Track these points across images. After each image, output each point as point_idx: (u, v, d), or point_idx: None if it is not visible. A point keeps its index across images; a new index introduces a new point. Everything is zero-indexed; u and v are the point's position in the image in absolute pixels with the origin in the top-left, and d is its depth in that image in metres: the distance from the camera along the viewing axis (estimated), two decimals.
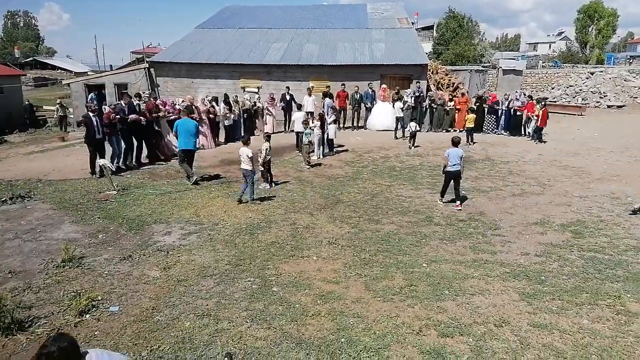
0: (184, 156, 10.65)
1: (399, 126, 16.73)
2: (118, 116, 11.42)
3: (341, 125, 17.92)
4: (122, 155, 11.85)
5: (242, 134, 13.44)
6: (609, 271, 6.22)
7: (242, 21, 27.64)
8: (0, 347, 4.44)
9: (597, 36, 57.10)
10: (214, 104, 15.57)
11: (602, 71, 31.73)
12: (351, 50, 22.68)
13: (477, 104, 18.10)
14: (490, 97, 18.61)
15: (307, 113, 17.18)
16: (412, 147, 14.89)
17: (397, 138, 16.53)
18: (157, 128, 13.04)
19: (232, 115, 15.96)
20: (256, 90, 20.67)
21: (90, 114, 10.81)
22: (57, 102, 23.98)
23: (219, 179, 11.23)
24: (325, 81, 20.11)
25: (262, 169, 10.20)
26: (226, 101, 15.95)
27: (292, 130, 15.30)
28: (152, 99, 13.92)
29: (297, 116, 14.05)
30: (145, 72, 22.05)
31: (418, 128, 15.56)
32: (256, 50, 22.98)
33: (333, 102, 16.22)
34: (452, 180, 8.97)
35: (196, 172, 11.10)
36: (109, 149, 11.47)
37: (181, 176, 11.25)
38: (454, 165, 8.79)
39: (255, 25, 26.69)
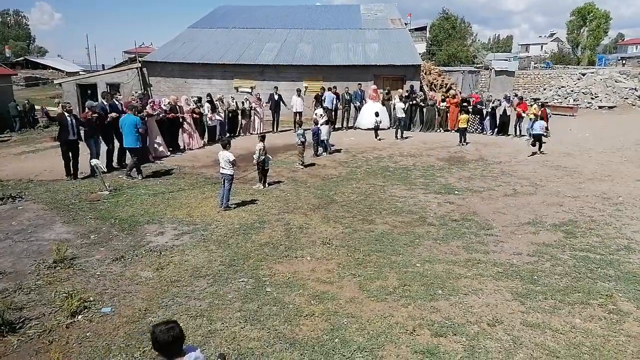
0: (129, 152, 10.90)
1: (399, 126, 16.76)
2: (96, 114, 10.99)
3: (334, 126, 17.94)
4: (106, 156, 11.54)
5: (222, 136, 13.43)
6: (600, 271, 6.26)
7: (235, 21, 27.57)
8: None
9: (589, 37, 57.64)
10: (199, 104, 15.34)
11: (593, 72, 32.06)
12: (344, 51, 22.70)
13: (462, 104, 18.08)
14: (473, 99, 18.63)
15: (296, 113, 17.27)
16: (378, 139, 16.16)
17: (397, 138, 16.58)
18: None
19: (216, 116, 15.71)
20: (249, 90, 20.64)
21: (65, 114, 10.49)
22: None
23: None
24: (319, 81, 20.10)
25: (257, 168, 10.22)
26: (210, 101, 15.73)
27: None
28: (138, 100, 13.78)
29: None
30: (138, 72, 21.94)
31: (382, 122, 17.33)
32: (249, 50, 22.93)
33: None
34: None
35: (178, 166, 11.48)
36: (85, 150, 10.97)
37: (175, 176, 11.28)
38: None
39: (248, 25, 26.63)
